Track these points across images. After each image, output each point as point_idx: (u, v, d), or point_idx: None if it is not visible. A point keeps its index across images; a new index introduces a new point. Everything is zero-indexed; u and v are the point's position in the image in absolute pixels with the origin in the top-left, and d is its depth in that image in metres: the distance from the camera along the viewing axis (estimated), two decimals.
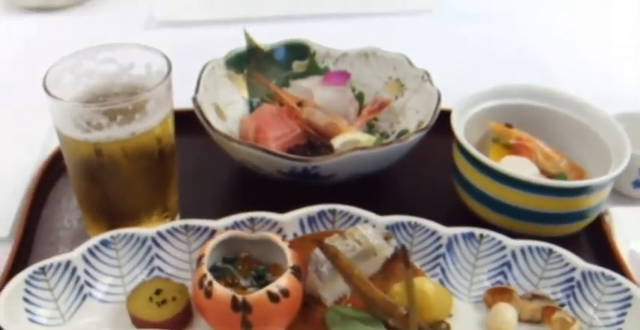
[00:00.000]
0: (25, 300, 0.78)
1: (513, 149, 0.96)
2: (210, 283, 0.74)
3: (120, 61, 0.86)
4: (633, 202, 1.02)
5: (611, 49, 1.42)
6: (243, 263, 0.81)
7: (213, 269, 0.78)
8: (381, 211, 0.87)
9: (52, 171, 1.02)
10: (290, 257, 0.77)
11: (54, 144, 1.00)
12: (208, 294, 0.74)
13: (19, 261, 0.88)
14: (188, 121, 0.94)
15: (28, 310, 0.78)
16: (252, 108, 1.07)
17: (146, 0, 1.52)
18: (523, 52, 1.39)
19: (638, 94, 1.24)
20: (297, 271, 0.77)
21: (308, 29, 1.18)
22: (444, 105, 0.97)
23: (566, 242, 0.86)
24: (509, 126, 0.98)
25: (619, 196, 1.02)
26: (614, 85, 1.29)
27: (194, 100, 0.95)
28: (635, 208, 1.00)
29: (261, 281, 0.78)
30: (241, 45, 1.09)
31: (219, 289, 0.73)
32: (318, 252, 0.79)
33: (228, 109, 1.05)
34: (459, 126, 0.92)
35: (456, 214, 0.93)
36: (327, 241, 0.79)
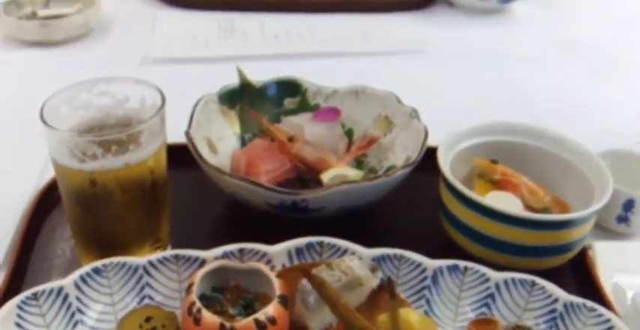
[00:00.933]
0: (17, 325, 0.79)
1: (498, 185, 0.99)
2: (199, 310, 0.75)
3: (115, 94, 0.88)
4: (617, 236, 1.05)
5: (597, 88, 1.46)
6: (232, 292, 0.82)
7: (203, 297, 0.80)
8: (368, 244, 0.89)
9: (47, 201, 1.04)
10: (278, 287, 0.79)
11: (50, 174, 1.03)
12: (197, 321, 0.75)
13: (12, 288, 0.89)
14: (181, 155, 0.96)
15: None
16: (243, 143, 1.10)
17: (142, 37, 1.56)
18: (509, 90, 1.43)
19: (622, 131, 1.26)
20: (285, 301, 0.78)
21: (300, 67, 1.21)
22: (432, 141, 0.99)
23: (551, 275, 0.88)
24: (494, 162, 1.01)
25: (603, 231, 1.04)
26: (599, 123, 1.32)
27: (187, 133, 0.97)
28: (619, 243, 1.03)
29: (249, 310, 0.79)
30: (234, 81, 1.11)
31: (208, 317, 0.75)
32: (305, 282, 0.80)
33: (221, 143, 1.07)
34: (445, 162, 0.95)
35: (441, 248, 0.94)
36: (314, 271, 0.81)
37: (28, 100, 1.23)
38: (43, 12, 1.59)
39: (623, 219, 1.03)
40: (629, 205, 1.02)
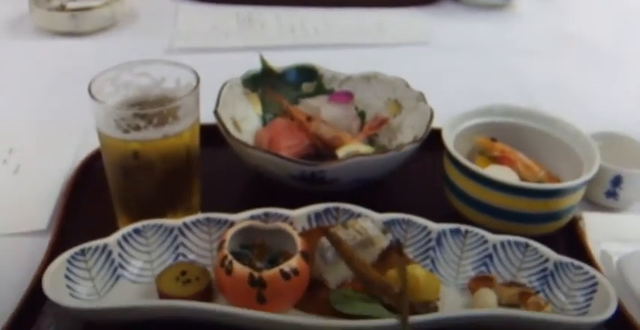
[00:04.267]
0: (67, 277, 0.88)
1: (497, 161, 1.07)
2: (230, 262, 0.85)
3: (153, 75, 0.97)
4: (606, 210, 1.14)
5: (593, 78, 1.55)
6: (258, 249, 0.92)
7: (233, 254, 0.88)
8: (379, 211, 0.98)
9: (87, 171, 1.14)
10: (299, 244, 0.89)
11: (85, 150, 1.16)
12: (229, 272, 0.85)
13: (59, 247, 0.97)
14: (209, 135, 1.05)
15: (69, 286, 0.88)
16: (265, 123, 1.19)
17: (165, 29, 1.67)
18: (509, 80, 1.52)
19: (614, 116, 1.37)
20: (306, 256, 0.88)
21: (315, 57, 1.28)
22: (437, 124, 1.09)
23: (544, 241, 0.96)
24: (493, 140, 1.10)
25: (593, 205, 1.14)
26: (593, 109, 1.41)
27: (215, 112, 1.07)
28: (608, 215, 1.12)
29: (274, 264, 0.88)
30: (255, 68, 1.21)
31: (238, 268, 0.85)
32: (323, 240, 0.90)
33: (244, 123, 1.16)
34: (449, 138, 1.04)
35: (445, 215, 1.02)
36: (332, 230, 0.91)
37: (60, 85, 1.35)
38: (71, 4, 1.68)
39: (611, 194, 1.13)
40: (616, 181, 1.11)
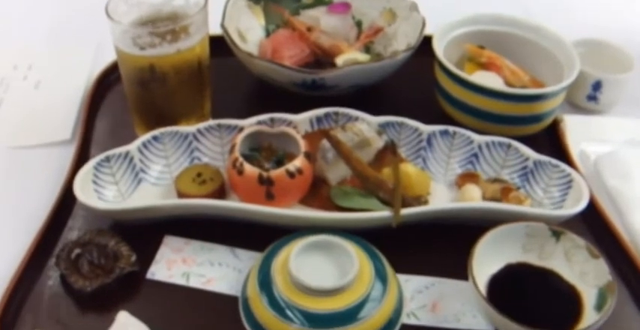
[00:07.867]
0: (94, 182, 0.98)
1: (484, 66, 1.16)
2: (241, 164, 0.95)
3: None
4: (587, 113, 1.22)
5: None
6: (266, 151, 1.01)
7: (243, 156, 0.97)
8: (375, 115, 1.07)
9: (104, 84, 1.22)
10: (303, 145, 0.98)
11: (100, 62, 1.24)
12: (240, 172, 0.95)
13: (82, 157, 1.07)
14: (217, 45, 1.12)
15: (96, 190, 0.98)
16: (268, 33, 1.27)
17: None
18: None
19: (596, 22, 1.43)
20: (309, 156, 0.97)
21: None
22: (429, 31, 1.16)
23: (528, 142, 1.04)
24: (481, 47, 1.17)
25: (576, 108, 1.22)
26: (575, 15, 1.48)
27: (222, 25, 1.14)
28: (586, 117, 1.21)
29: (280, 165, 0.98)
30: None
31: (249, 168, 0.95)
32: (325, 142, 1.00)
33: (249, 34, 1.24)
34: (439, 47, 1.12)
35: (435, 118, 1.10)
36: (332, 132, 1.00)
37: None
38: None
39: (592, 98, 1.21)
40: (597, 85, 1.20)
